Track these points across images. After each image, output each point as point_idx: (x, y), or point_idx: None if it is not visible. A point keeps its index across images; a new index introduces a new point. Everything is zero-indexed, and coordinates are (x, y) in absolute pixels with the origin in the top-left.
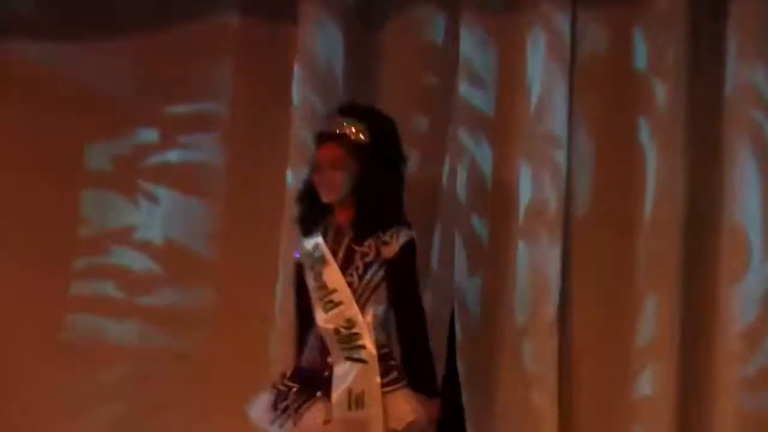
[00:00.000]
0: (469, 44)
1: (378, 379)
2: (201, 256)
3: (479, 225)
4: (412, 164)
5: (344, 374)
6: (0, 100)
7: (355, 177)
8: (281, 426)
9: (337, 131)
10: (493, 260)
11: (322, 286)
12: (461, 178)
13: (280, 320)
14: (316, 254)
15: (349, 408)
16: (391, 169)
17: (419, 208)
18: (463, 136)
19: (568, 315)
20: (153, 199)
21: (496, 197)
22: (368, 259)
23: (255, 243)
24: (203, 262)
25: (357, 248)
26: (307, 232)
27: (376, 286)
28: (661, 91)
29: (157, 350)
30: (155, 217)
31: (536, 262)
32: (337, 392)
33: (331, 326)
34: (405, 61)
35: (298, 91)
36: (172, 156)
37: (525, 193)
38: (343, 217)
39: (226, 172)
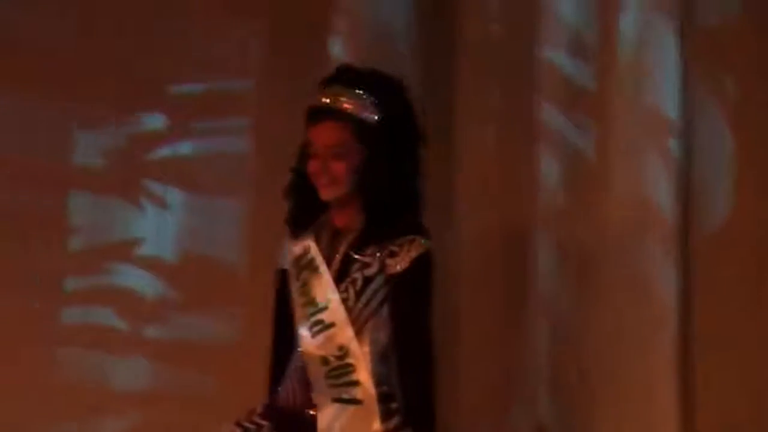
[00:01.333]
0: None
1: (377, 426)
2: (226, 274)
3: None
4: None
5: (331, 422)
6: None
7: (362, 166)
8: None
9: (337, 106)
10: (592, 281)
11: (310, 302)
12: (555, 169)
13: None
14: (305, 260)
15: None
16: (408, 154)
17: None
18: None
19: (688, 356)
20: (161, 202)
21: (592, 198)
22: (369, 272)
23: None
24: (229, 281)
25: (357, 257)
26: (298, 233)
27: (378, 308)
28: None
29: (170, 395)
30: (165, 225)
31: (645, 285)
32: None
33: (318, 353)
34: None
35: (334, 54)
36: (184, 148)
37: (626, 195)
38: (341, 216)
39: (256, 167)
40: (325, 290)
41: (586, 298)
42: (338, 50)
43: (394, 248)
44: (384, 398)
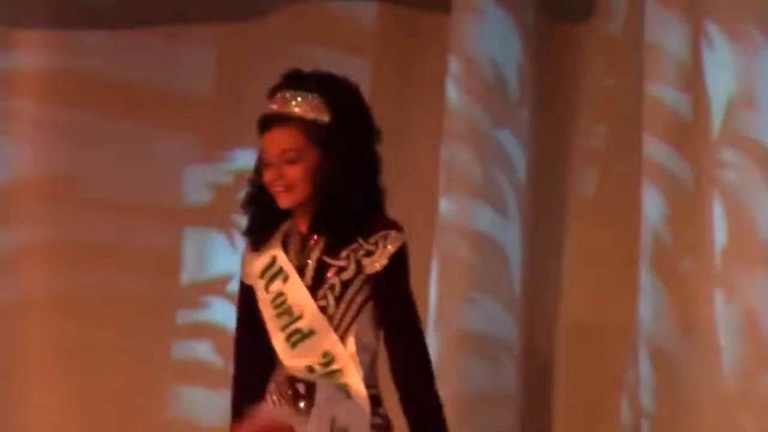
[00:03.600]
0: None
1: (370, 420)
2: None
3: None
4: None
5: (327, 400)
6: (82, 115)
7: (319, 169)
8: None
9: (288, 111)
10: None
11: (285, 312)
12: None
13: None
14: (273, 270)
15: None
16: (364, 152)
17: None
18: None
19: None
20: None
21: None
22: (346, 275)
23: None
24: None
25: (331, 262)
26: (259, 245)
27: (359, 310)
28: None
29: None
30: None
31: (748, 314)
32: (317, 415)
33: (301, 363)
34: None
35: (450, 98)
36: None
37: (721, 229)
38: (307, 221)
39: None
40: (300, 298)
41: (691, 336)
42: (453, 93)
43: (370, 247)
44: (371, 401)
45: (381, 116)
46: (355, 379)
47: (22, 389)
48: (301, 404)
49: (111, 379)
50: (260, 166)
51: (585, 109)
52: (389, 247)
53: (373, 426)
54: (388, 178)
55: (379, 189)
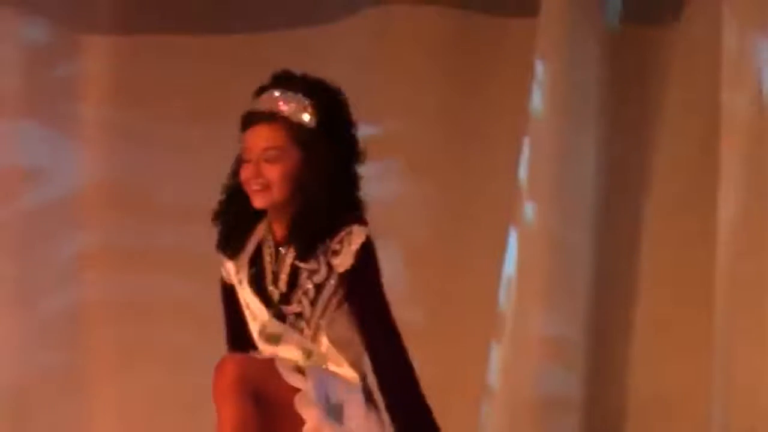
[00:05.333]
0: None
1: (363, 401)
2: None
3: None
4: None
5: (319, 381)
6: (148, 120)
7: (298, 172)
8: None
9: (274, 109)
10: None
11: (255, 318)
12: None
13: (499, 390)
14: (239, 278)
15: (327, 414)
16: (347, 160)
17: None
18: None
19: None
20: None
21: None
22: (318, 278)
23: (465, 298)
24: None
25: (303, 266)
26: (231, 256)
27: (335, 310)
28: None
29: None
30: None
31: None
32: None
33: (286, 357)
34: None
35: (534, 104)
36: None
37: None
38: (281, 227)
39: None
40: (256, 308)
41: None
42: (537, 98)
43: (335, 246)
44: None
45: (462, 119)
46: (342, 364)
47: (89, 391)
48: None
49: (173, 379)
50: (238, 167)
51: (664, 115)
52: (353, 245)
53: (368, 403)
54: (470, 179)
55: (358, 201)
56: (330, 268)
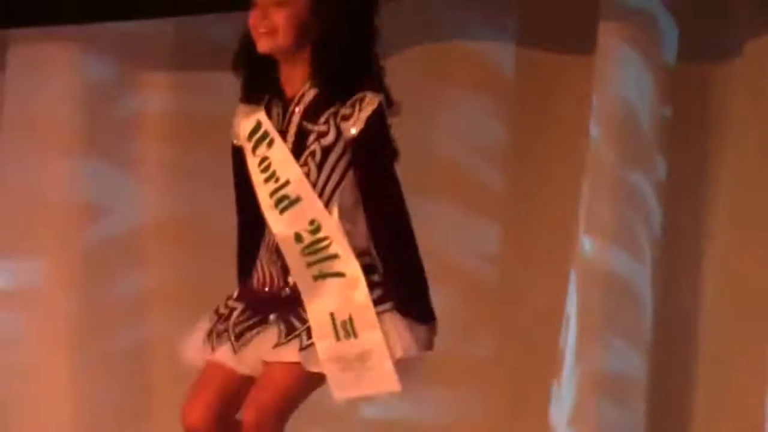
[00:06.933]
0: None
1: (367, 292)
2: None
3: None
4: None
5: (318, 300)
6: (207, 156)
7: (309, 21)
8: (213, 350)
9: None
10: None
11: (271, 177)
12: None
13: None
14: (259, 135)
15: (337, 338)
16: (364, 17)
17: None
18: None
19: None
20: None
21: None
22: (327, 141)
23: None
24: None
25: (311, 128)
26: (250, 99)
27: (342, 177)
28: None
29: None
30: None
31: None
32: (316, 323)
33: (289, 231)
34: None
35: (593, 139)
36: None
37: None
38: (292, 83)
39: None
40: (285, 163)
41: None
42: (595, 133)
43: (346, 111)
44: (364, 270)
45: (522, 156)
46: (343, 248)
47: (152, 429)
48: (290, 280)
49: None
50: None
51: (722, 152)
52: (364, 111)
53: (375, 302)
54: (527, 212)
55: (373, 59)
56: (339, 132)
